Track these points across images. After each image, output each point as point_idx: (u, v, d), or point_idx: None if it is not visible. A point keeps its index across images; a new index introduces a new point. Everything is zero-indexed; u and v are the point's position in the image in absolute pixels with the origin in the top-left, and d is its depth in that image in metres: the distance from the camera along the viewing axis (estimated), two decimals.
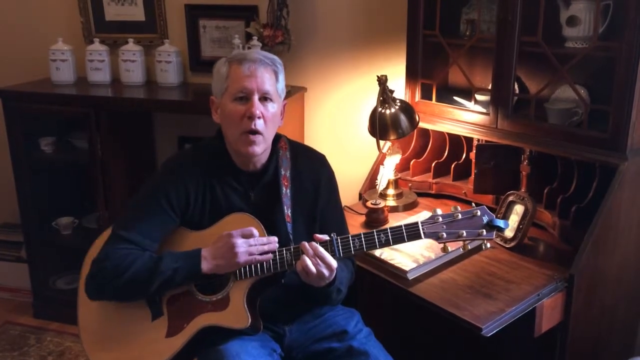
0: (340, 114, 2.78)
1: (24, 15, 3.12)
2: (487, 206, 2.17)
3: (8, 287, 3.23)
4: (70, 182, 3.04)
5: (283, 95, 1.73)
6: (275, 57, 1.71)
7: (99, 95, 2.73)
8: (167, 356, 1.61)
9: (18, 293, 3.21)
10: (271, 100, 1.66)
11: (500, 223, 1.58)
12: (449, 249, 1.62)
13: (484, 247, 1.60)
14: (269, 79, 1.65)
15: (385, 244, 1.60)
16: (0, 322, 3.01)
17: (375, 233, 1.60)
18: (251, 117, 1.62)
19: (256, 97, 1.63)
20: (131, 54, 2.85)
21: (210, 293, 1.63)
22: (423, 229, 1.58)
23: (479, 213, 1.59)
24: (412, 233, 1.59)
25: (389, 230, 1.59)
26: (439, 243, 1.60)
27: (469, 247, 1.63)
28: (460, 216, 1.59)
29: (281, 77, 1.70)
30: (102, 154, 2.71)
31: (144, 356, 1.63)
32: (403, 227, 1.59)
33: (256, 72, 1.63)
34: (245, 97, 1.64)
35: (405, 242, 1.60)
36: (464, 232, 1.57)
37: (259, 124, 1.63)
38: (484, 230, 1.57)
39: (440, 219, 1.59)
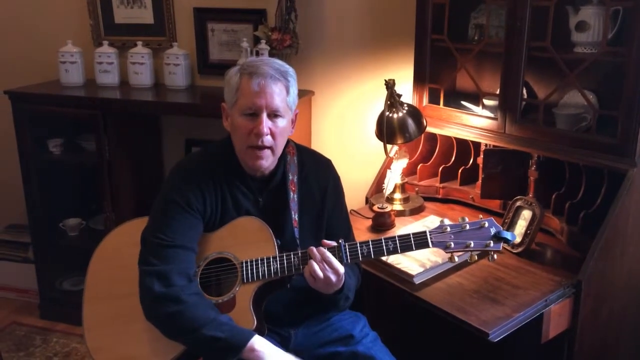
0: (348, 118, 2.78)
1: (33, 17, 3.14)
2: (494, 211, 2.20)
3: (15, 288, 3.24)
4: (78, 184, 3.05)
5: (295, 105, 1.71)
6: (288, 69, 1.67)
7: (107, 98, 2.74)
8: (172, 355, 1.60)
9: (25, 294, 3.22)
10: (281, 115, 1.65)
11: (507, 235, 1.58)
12: (456, 258, 1.62)
13: (490, 258, 1.60)
14: (279, 94, 1.63)
15: (393, 251, 1.60)
16: (6, 323, 3.02)
17: (383, 240, 1.60)
18: (258, 135, 1.61)
19: (264, 115, 1.61)
20: (140, 57, 2.86)
21: (217, 294, 1.63)
22: (431, 238, 1.59)
23: (486, 224, 1.60)
24: (420, 242, 1.59)
25: (397, 238, 1.60)
26: (447, 253, 1.60)
27: (476, 258, 1.63)
28: (468, 227, 1.60)
29: (292, 89, 1.67)
30: (110, 156, 2.71)
31: (149, 355, 1.63)
32: (411, 236, 1.59)
33: (265, 88, 1.61)
34: (254, 114, 1.62)
35: (413, 250, 1.61)
36: (472, 242, 1.58)
37: (267, 140, 1.62)
38: (492, 242, 1.58)
39: (449, 229, 1.60)
